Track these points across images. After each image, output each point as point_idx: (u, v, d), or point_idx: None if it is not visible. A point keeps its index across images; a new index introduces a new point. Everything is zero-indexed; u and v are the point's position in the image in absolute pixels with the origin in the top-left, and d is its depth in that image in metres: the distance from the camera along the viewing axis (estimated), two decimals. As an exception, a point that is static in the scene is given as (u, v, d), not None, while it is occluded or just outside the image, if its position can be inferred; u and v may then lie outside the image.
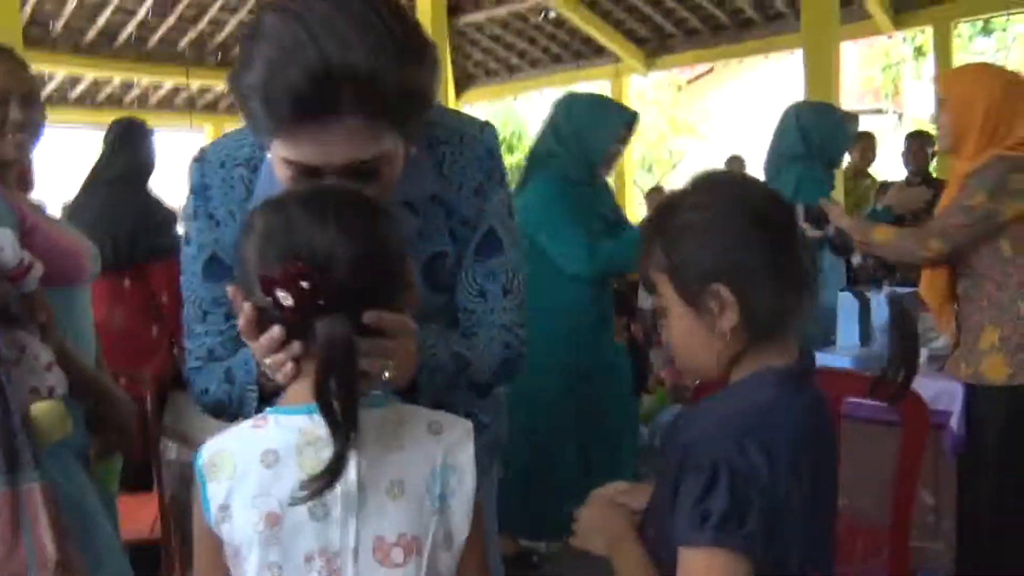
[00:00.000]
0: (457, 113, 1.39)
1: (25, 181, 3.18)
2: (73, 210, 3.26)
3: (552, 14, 8.74)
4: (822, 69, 5.88)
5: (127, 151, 3.30)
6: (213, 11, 8.24)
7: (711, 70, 14.32)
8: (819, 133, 3.17)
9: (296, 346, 0.95)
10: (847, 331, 2.69)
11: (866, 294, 2.73)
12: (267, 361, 0.98)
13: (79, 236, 1.85)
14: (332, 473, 0.89)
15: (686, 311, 1.01)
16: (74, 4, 7.54)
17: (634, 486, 1.19)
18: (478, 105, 11.14)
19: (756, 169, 3.77)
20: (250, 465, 0.96)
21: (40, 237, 1.64)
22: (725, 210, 1.00)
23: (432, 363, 1.16)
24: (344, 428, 0.90)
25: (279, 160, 1.06)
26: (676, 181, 13.34)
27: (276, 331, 0.95)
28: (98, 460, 1.75)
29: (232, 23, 8.52)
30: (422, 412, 1.04)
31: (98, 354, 1.90)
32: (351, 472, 0.94)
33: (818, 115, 3.29)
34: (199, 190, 1.23)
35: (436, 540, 0.98)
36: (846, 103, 7.99)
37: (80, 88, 9.19)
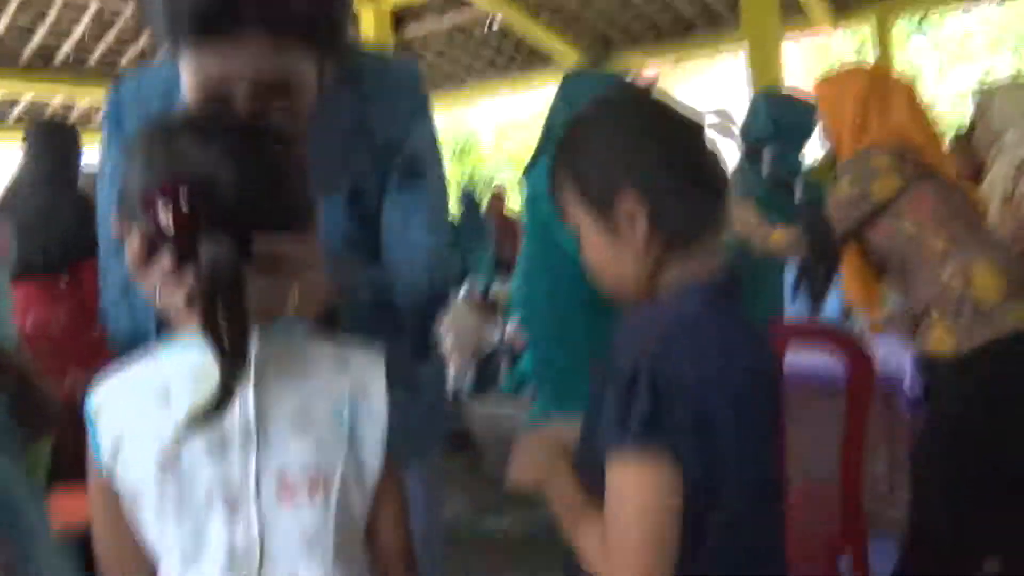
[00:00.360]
0: (383, 53, 1.37)
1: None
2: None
3: (495, 26, 8.76)
4: (766, 67, 5.90)
5: (51, 153, 3.21)
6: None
7: (658, 73, 14.49)
8: (788, 115, 3.19)
9: (180, 272, 0.88)
10: (794, 300, 2.70)
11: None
12: (156, 293, 0.91)
13: None
14: (217, 405, 0.84)
15: (598, 227, 0.99)
16: (4, 23, 7.36)
17: (570, 424, 1.14)
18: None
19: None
20: (142, 404, 0.90)
21: None
22: (626, 120, 0.99)
23: (352, 297, 1.10)
24: (232, 358, 0.84)
25: (187, 82, 1.01)
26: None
27: (163, 259, 0.88)
28: (25, 446, 1.68)
29: (173, 41, 8.37)
30: (328, 342, 0.98)
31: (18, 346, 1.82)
32: (249, 404, 0.88)
33: (786, 100, 3.34)
34: (113, 119, 1.20)
35: (347, 476, 0.91)
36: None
37: (18, 110, 8.98)
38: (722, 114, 2.88)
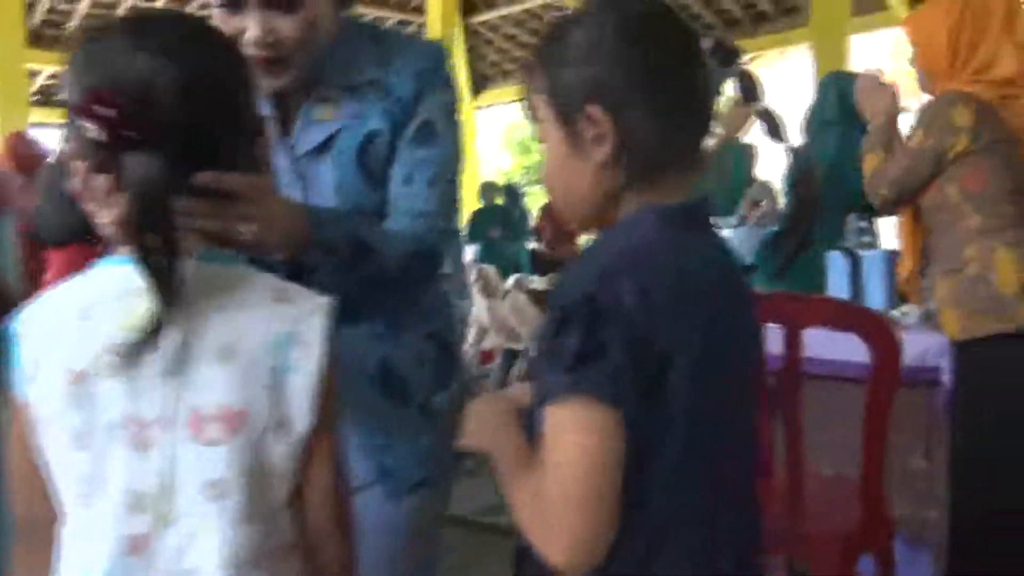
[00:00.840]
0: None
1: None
2: (41, 183, 3.29)
3: (568, 11, 8.66)
4: (833, 61, 5.62)
5: None
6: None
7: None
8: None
9: (102, 181, 0.82)
10: (837, 290, 2.56)
11: (857, 253, 2.58)
12: (90, 206, 0.86)
13: (6, 172, 1.85)
14: (143, 333, 0.78)
15: (562, 137, 0.88)
16: (86, 4, 7.60)
17: (526, 385, 1.05)
18: (494, 106, 11.09)
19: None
20: (64, 320, 0.84)
21: None
22: (609, 26, 0.86)
23: (322, 241, 1.07)
24: (158, 286, 0.78)
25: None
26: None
27: (94, 175, 0.82)
28: None
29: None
30: (271, 279, 0.89)
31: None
32: (172, 330, 0.81)
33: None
34: None
35: (266, 420, 0.83)
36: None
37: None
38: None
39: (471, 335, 5.38)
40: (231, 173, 0.88)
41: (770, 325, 1.59)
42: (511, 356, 5.30)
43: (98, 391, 0.82)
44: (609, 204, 0.88)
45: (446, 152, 1.25)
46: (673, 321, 0.78)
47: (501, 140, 17.17)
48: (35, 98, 7.95)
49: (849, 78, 3.20)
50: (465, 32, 8.89)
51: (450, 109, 1.26)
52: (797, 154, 0.92)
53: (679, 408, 0.80)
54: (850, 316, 1.65)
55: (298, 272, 1.04)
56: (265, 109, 1.17)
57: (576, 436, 0.77)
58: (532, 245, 7.03)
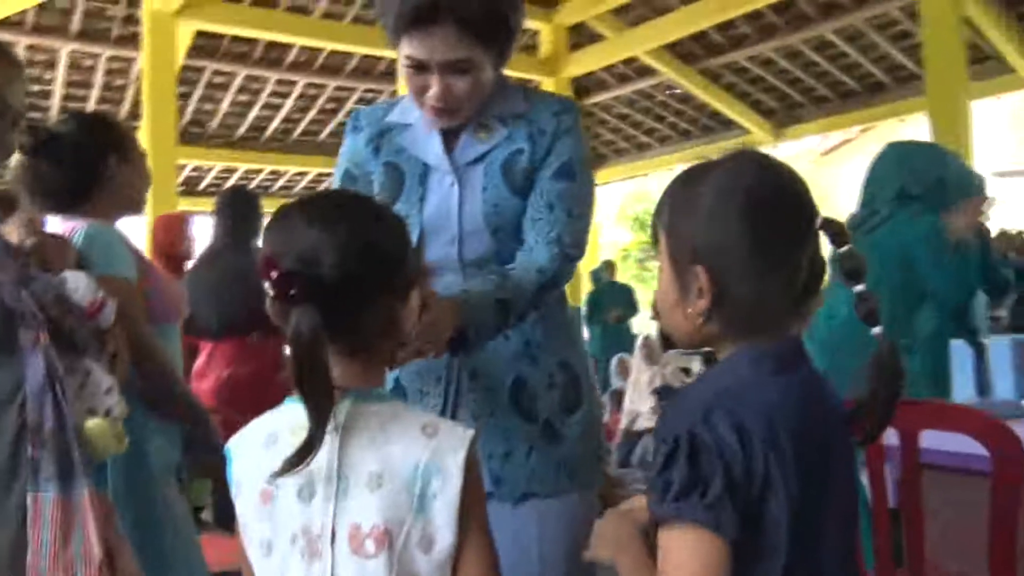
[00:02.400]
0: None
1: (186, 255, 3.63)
2: (195, 275, 3.51)
3: (677, 90, 8.82)
4: (950, 131, 5.43)
5: (236, 219, 3.58)
6: (350, 103, 8.79)
7: (845, 141, 13.96)
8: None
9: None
10: (961, 381, 2.50)
11: (982, 341, 2.54)
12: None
13: (178, 284, 2.08)
14: (299, 455, 0.93)
15: (672, 276, 0.99)
16: (227, 104, 8.24)
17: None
18: (611, 183, 11.25)
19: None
20: (256, 446, 1.02)
21: (153, 279, 1.97)
22: (733, 196, 0.95)
23: (473, 323, 1.31)
24: (315, 418, 0.93)
25: (402, 59, 1.39)
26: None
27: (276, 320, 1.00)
28: (191, 478, 1.97)
29: (369, 114, 9.04)
30: (421, 414, 1.05)
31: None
32: (334, 460, 0.97)
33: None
34: (351, 125, 1.59)
35: (411, 538, 0.96)
36: (986, 164, 7.57)
37: (233, 179, 9.95)
38: None
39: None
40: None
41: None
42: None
43: (280, 507, 1.00)
44: (707, 342, 0.98)
45: (584, 191, 1.49)
46: (768, 456, 0.87)
47: (616, 216, 17.43)
48: (180, 188, 8.62)
49: (908, 150, 2.94)
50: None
51: (584, 157, 1.51)
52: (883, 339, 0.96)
53: (779, 537, 0.88)
54: (965, 420, 1.65)
55: (456, 347, 1.30)
56: (435, 135, 1.48)
57: (684, 557, 0.88)
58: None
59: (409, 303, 1.07)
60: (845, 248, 0.98)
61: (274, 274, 0.95)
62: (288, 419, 1.01)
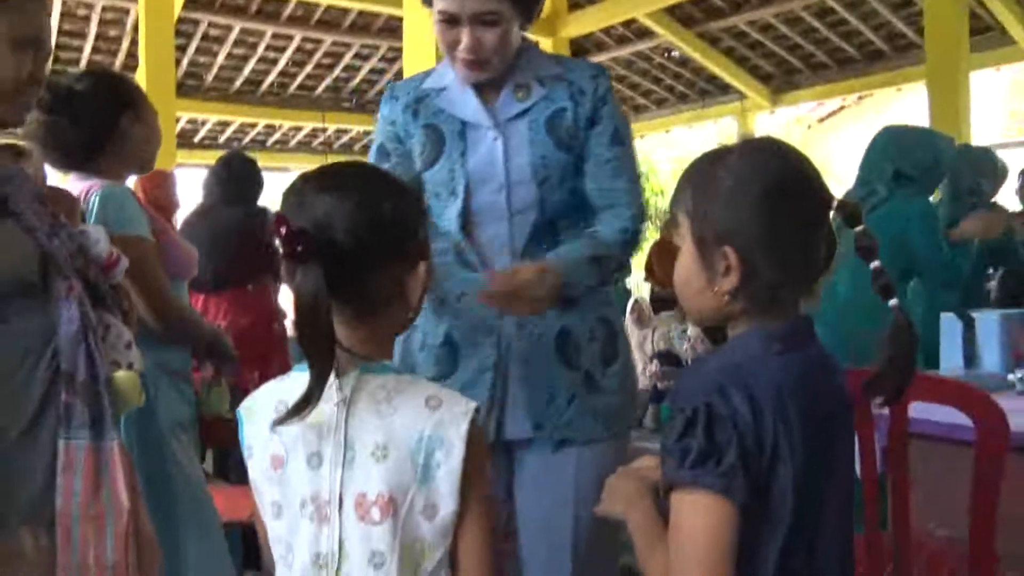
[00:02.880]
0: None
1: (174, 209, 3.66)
2: (188, 228, 3.56)
3: (675, 53, 8.78)
4: (948, 101, 5.48)
5: (236, 181, 3.65)
6: (347, 59, 8.72)
7: (841, 108, 13.93)
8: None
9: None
10: (950, 354, 2.58)
11: (971, 315, 2.61)
12: None
13: (189, 244, 2.14)
14: (298, 407, 0.99)
15: (695, 258, 1.04)
16: (223, 57, 8.16)
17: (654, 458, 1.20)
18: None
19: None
20: (267, 412, 1.06)
21: (166, 238, 2.05)
22: (755, 180, 1.01)
23: (573, 284, 1.50)
24: (315, 370, 0.98)
25: (436, 14, 1.51)
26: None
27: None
28: (210, 385, 2.17)
29: (365, 69, 8.98)
30: (427, 386, 1.08)
31: None
32: (341, 429, 1.02)
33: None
34: (388, 95, 1.68)
35: (414, 506, 1.01)
36: (982, 136, 7.60)
37: (228, 132, 9.89)
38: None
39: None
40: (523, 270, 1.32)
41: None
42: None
43: (290, 472, 1.05)
44: (727, 320, 1.03)
45: (634, 154, 1.64)
46: (778, 429, 0.93)
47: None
48: (177, 141, 8.57)
49: (903, 134, 3.07)
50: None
51: (624, 121, 1.64)
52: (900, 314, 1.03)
53: (785, 505, 0.95)
54: (952, 392, 1.72)
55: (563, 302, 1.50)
56: (469, 93, 1.58)
57: (697, 521, 0.94)
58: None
59: (416, 272, 1.09)
60: (860, 228, 1.05)
61: (283, 230, 0.99)
62: (298, 387, 1.04)
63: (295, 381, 1.06)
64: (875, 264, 1.06)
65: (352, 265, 1.02)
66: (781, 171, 1.03)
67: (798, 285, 1.03)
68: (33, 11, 1.40)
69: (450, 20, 1.50)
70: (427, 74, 1.69)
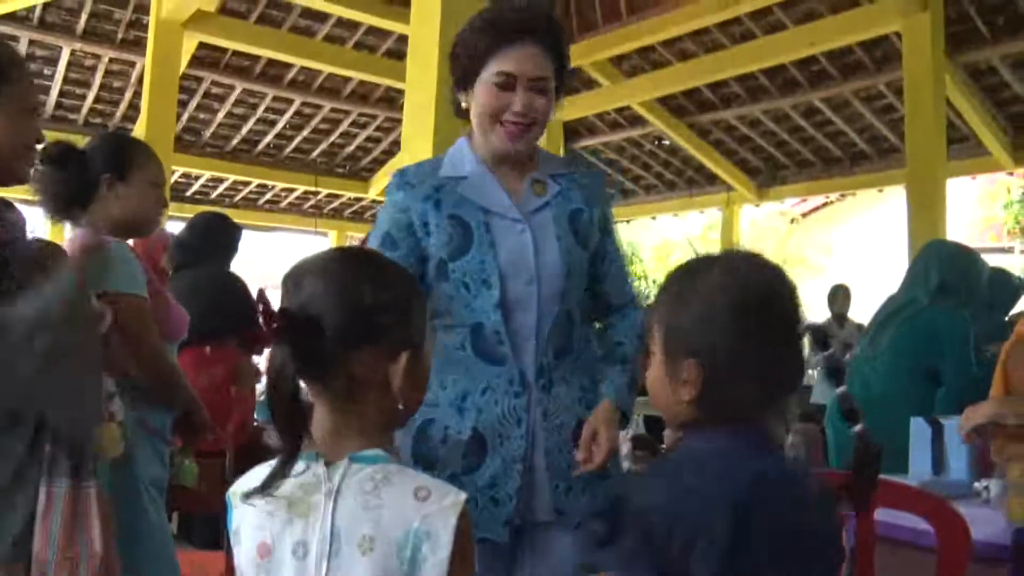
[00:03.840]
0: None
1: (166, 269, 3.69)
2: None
3: (666, 141, 9.00)
4: (926, 206, 5.64)
5: (207, 239, 3.67)
6: (344, 125, 8.88)
7: (825, 204, 14.25)
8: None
9: None
10: (919, 459, 2.60)
11: (940, 421, 2.64)
12: None
13: (180, 306, 2.18)
14: (268, 480, 1.01)
15: (662, 362, 1.09)
16: (222, 115, 8.29)
17: None
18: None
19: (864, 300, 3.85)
20: (258, 499, 1.05)
21: (162, 300, 2.10)
22: (726, 299, 1.04)
23: (627, 408, 1.62)
24: (285, 443, 1.01)
25: (491, 77, 1.56)
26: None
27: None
28: (181, 452, 2.19)
29: (361, 137, 9.14)
30: (415, 477, 1.07)
31: None
32: (327, 521, 1.02)
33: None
34: (394, 185, 1.67)
35: None
36: (958, 239, 7.77)
37: (221, 188, 9.97)
38: (840, 288, 2.91)
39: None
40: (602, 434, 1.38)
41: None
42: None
43: (276, 561, 1.04)
44: (688, 424, 1.08)
45: (618, 241, 1.76)
46: (685, 525, 0.95)
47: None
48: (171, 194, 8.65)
49: (953, 250, 3.31)
50: (567, 155, 9.27)
51: (611, 214, 1.78)
52: (862, 438, 1.08)
53: None
54: (915, 500, 1.75)
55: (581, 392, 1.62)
56: (494, 182, 1.62)
57: None
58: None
59: (397, 361, 1.07)
60: (841, 389, 1.10)
61: (261, 307, 1.02)
62: (290, 478, 1.05)
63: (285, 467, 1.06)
64: (841, 389, 1.11)
65: (327, 348, 1.03)
66: (752, 288, 1.06)
67: (756, 402, 1.06)
68: (31, 79, 1.52)
69: (506, 83, 1.55)
70: (437, 163, 1.70)
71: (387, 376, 1.07)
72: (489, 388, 1.57)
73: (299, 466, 1.05)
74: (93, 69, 7.31)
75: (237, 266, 3.81)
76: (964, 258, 3.24)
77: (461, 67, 1.63)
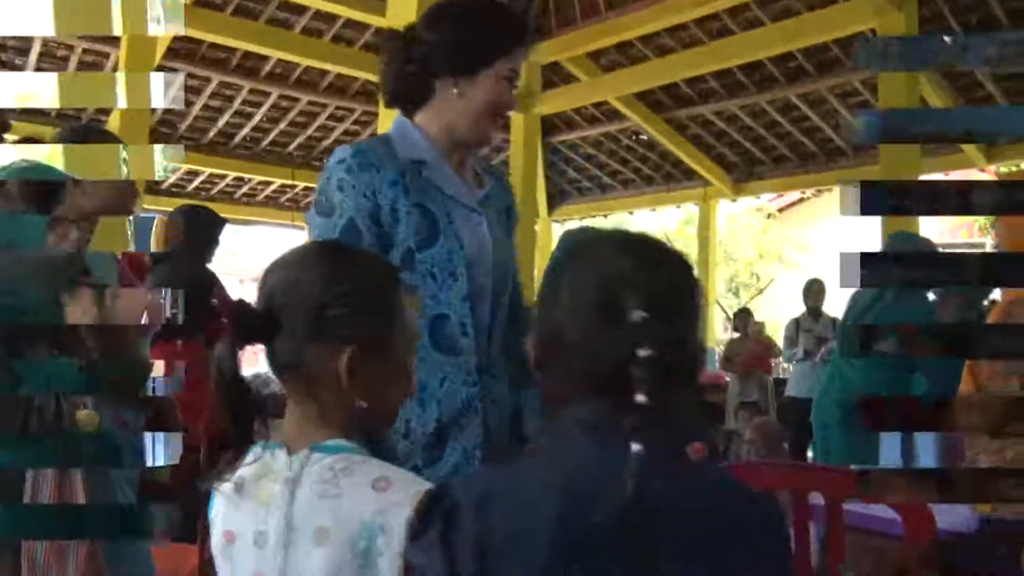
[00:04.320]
0: None
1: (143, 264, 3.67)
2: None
3: (643, 136, 9.03)
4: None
5: (189, 234, 3.65)
6: (321, 119, 8.84)
7: (801, 200, 14.37)
8: None
9: None
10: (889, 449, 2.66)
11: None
12: None
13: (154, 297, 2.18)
14: (219, 474, 1.02)
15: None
16: (198, 108, 8.23)
17: None
18: (569, 221, 11.42)
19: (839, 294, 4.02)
20: (228, 488, 1.06)
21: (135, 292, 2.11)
22: (587, 276, 0.95)
23: None
24: (235, 430, 1.02)
25: (504, 72, 1.56)
26: (762, 305, 13.26)
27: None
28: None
29: (339, 130, 9.10)
30: (378, 467, 1.04)
31: None
32: (285, 511, 1.02)
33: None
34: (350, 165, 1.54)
35: None
36: (933, 237, 7.86)
37: (197, 181, 9.90)
38: (815, 283, 2.99)
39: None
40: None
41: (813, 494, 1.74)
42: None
43: (239, 549, 1.06)
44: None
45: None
46: (498, 518, 0.89)
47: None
48: (145, 186, 8.57)
49: (909, 238, 3.47)
50: (545, 149, 9.28)
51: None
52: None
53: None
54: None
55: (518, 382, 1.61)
56: (449, 169, 1.58)
57: None
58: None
59: (341, 360, 1.04)
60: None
61: (228, 303, 1.04)
62: (255, 467, 1.05)
63: (251, 458, 1.07)
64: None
65: (285, 343, 1.05)
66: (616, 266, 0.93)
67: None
68: None
69: (512, 80, 1.58)
70: (387, 143, 1.57)
71: (334, 367, 1.04)
72: (447, 379, 1.51)
73: (265, 455, 1.05)
74: (66, 60, 7.23)
75: (217, 260, 3.80)
76: (923, 244, 3.49)
77: (470, 55, 1.54)
